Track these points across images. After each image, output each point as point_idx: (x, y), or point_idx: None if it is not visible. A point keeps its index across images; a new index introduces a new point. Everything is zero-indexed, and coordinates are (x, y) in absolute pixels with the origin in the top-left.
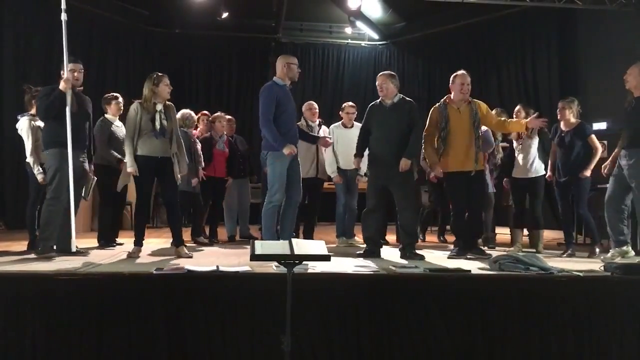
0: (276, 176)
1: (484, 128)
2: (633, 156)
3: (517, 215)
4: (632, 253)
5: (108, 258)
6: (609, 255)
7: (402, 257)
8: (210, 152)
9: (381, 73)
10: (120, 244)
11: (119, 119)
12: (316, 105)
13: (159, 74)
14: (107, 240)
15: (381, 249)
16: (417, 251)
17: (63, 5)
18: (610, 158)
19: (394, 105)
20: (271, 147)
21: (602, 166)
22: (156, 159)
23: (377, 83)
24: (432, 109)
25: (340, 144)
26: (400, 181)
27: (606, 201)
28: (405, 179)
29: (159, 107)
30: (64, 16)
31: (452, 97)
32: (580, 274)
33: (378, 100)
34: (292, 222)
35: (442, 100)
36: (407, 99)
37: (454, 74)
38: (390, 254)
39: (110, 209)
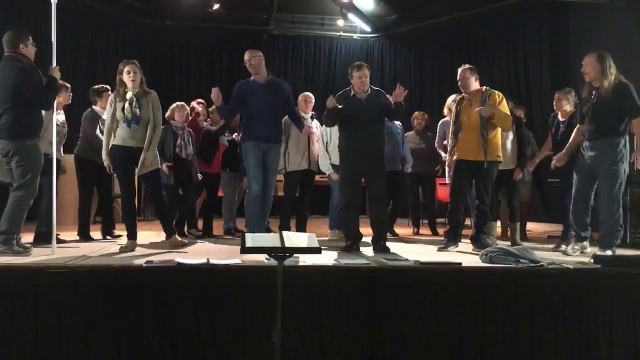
0: (247, 167)
1: None
2: (601, 146)
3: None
4: (589, 249)
5: (98, 251)
6: (569, 249)
7: (374, 250)
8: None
9: (360, 64)
10: (119, 236)
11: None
12: (312, 97)
13: (124, 60)
14: (85, 235)
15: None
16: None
17: None
18: (564, 151)
19: (368, 97)
20: (244, 138)
21: (554, 158)
22: (131, 149)
23: (360, 75)
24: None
25: (334, 140)
26: (378, 175)
27: (573, 196)
28: (382, 172)
29: (129, 95)
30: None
31: None
32: (570, 267)
33: (350, 92)
34: (263, 216)
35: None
36: (375, 88)
37: None
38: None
39: (88, 202)
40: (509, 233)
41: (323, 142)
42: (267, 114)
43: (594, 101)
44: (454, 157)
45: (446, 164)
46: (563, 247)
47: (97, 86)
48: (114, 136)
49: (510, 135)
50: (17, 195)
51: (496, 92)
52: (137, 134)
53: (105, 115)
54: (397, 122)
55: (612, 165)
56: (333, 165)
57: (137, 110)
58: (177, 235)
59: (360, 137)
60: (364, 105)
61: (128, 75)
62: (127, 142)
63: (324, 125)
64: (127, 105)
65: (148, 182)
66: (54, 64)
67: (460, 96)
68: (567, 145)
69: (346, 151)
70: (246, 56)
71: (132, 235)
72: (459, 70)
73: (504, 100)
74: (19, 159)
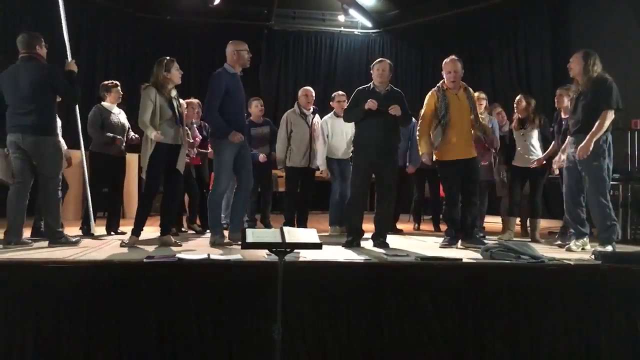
0: (221, 166)
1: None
2: (581, 142)
3: (512, 203)
4: (589, 246)
5: (98, 246)
6: (572, 245)
7: (374, 245)
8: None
9: (382, 60)
10: (123, 233)
11: (117, 106)
12: (312, 92)
13: (168, 58)
14: (88, 229)
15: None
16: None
17: None
18: (544, 154)
19: (387, 94)
20: (219, 135)
21: (553, 161)
22: (170, 147)
23: (377, 68)
24: (429, 94)
25: (334, 133)
26: (390, 171)
27: (564, 194)
28: (394, 169)
29: (174, 93)
30: None
31: (446, 83)
32: (571, 262)
33: (370, 86)
34: (243, 206)
35: (439, 85)
36: (395, 88)
37: (445, 60)
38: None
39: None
40: (515, 230)
41: (324, 135)
42: (243, 109)
43: (576, 96)
44: (446, 158)
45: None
46: (568, 243)
47: (107, 82)
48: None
49: (535, 134)
50: (47, 189)
51: (470, 88)
52: (179, 132)
53: (143, 109)
54: None
55: (593, 161)
56: (331, 159)
57: (180, 109)
58: (171, 236)
59: (375, 132)
60: (382, 100)
61: (179, 72)
62: (174, 140)
63: (324, 119)
64: (175, 103)
65: (180, 177)
66: (69, 58)
67: (443, 87)
68: (549, 149)
69: (361, 145)
70: (245, 46)
71: (137, 232)
72: (449, 62)
73: None
74: (44, 155)
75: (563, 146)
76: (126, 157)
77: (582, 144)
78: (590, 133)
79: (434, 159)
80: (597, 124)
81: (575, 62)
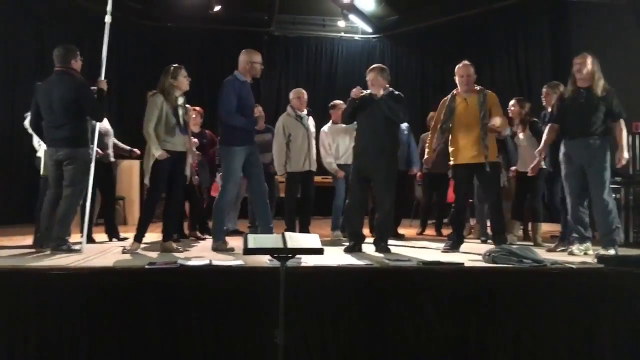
0: (231, 172)
1: None
2: (590, 146)
3: (516, 207)
4: (591, 250)
5: (101, 252)
6: (574, 249)
7: (376, 250)
8: None
9: (371, 68)
10: (125, 238)
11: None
12: (304, 93)
13: (175, 65)
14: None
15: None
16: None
17: (109, 7)
18: (540, 152)
19: (385, 97)
20: (228, 142)
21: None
22: (174, 154)
23: (367, 78)
24: (442, 101)
25: (334, 141)
26: (384, 175)
27: (568, 198)
28: (389, 173)
29: (181, 100)
30: (108, 18)
31: (458, 88)
32: (574, 266)
33: (367, 92)
34: (267, 214)
35: (452, 92)
36: (396, 92)
37: (457, 65)
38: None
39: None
40: (530, 233)
41: (325, 146)
42: (252, 116)
43: (582, 101)
44: (455, 162)
45: (424, 158)
46: (570, 247)
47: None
48: (165, 142)
49: (528, 137)
50: (66, 196)
51: (489, 92)
52: (183, 140)
53: (149, 117)
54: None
55: (603, 163)
56: (340, 165)
57: (185, 116)
58: (172, 242)
59: (369, 136)
60: (378, 104)
61: (186, 79)
62: (179, 147)
63: (323, 129)
64: (180, 111)
65: (182, 184)
66: (102, 77)
67: (454, 93)
68: (542, 144)
69: (356, 149)
70: (259, 58)
71: (139, 238)
72: (461, 67)
73: (497, 100)
74: (74, 164)
75: (542, 146)
76: (112, 163)
77: (623, 154)
78: (622, 144)
79: (450, 163)
80: (623, 133)
81: (589, 63)
